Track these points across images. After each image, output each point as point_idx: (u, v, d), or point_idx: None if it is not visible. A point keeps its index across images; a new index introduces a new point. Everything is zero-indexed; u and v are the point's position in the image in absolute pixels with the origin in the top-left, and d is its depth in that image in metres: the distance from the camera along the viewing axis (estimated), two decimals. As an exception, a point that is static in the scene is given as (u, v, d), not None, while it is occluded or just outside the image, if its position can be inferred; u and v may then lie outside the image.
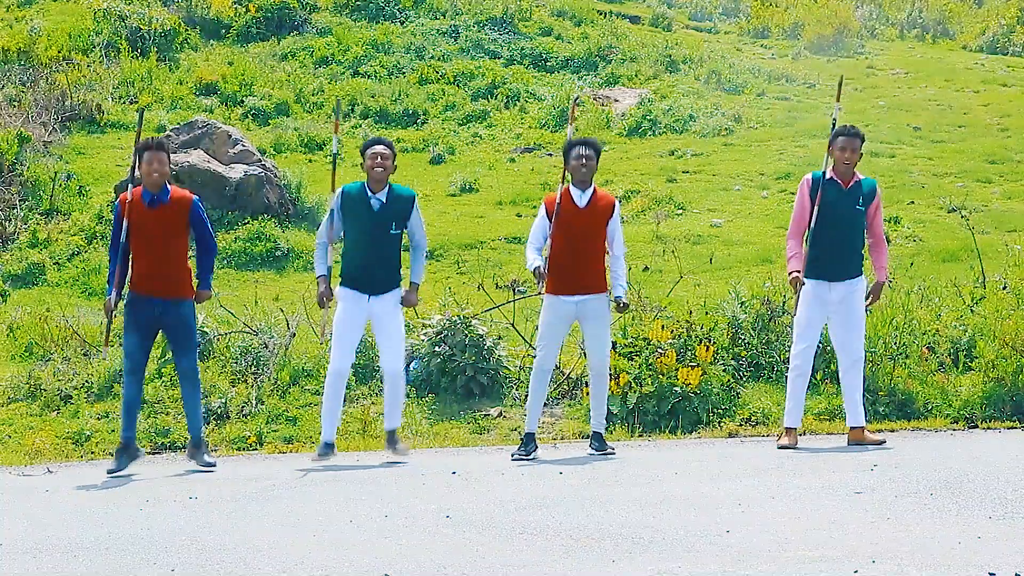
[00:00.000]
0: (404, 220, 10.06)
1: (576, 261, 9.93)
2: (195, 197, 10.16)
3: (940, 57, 27.03)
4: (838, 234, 9.91)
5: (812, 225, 9.94)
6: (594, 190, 10.05)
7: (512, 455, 10.03)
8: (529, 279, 14.18)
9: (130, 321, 9.97)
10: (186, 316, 10.08)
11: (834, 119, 10.34)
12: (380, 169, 9.94)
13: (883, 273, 10.17)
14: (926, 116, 22.61)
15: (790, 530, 6.90)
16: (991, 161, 20.31)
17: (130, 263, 9.98)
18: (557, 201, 9.93)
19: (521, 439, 10.23)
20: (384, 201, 9.97)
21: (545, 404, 11.79)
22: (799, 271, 9.95)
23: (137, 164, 9.96)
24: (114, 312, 10.06)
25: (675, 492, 8.18)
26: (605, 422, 10.26)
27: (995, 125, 22.26)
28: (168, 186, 9.99)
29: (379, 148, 10.03)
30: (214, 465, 10.10)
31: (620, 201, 18.77)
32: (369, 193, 9.98)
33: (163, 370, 12.19)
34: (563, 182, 10.10)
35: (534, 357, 10.34)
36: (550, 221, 9.94)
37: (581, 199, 9.98)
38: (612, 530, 7.05)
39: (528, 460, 9.89)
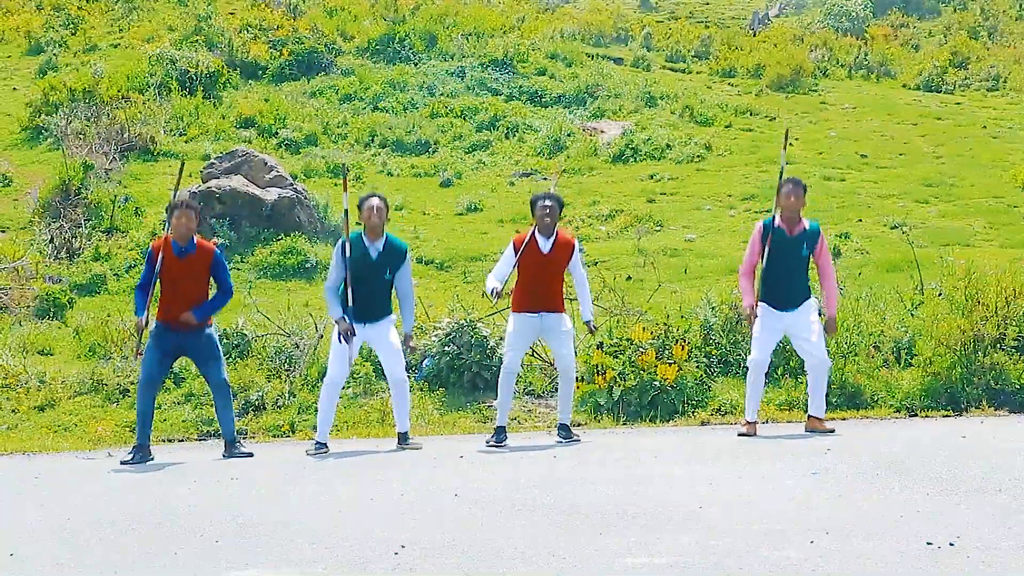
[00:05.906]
0: (396, 269, 9.88)
1: (538, 290, 9.89)
2: (216, 249, 9.99)
3: (883, 94, 27.16)
4: (785, 275, 9.90)
5: (764, 265, 9.94)
6: (556, 236, 9.95)
7: (487, 442, 9.95)
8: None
9: (154, 344, 9.78)
10: (208, 338, 9.87)
11: (782, 167, 10.39)
12: (376, 221, 9.77)
13: (833, 310, 10.06)
14: (871, 145, 22.72)
15: (755, 507, 6.88)
16: (928, 184, 20.46)
17: (157, 295, 9.90)
18: (524, 243, 9.87)
19: (495, 430, 10.08)
20: (381, 250, 9.81)
21: (540, 397, 11.86)
22: (752, 306, 9.95)
23: (168, 220, 9.82)
24: (144, 329, 9.84)
25: (654, 472, 8.15)
26: (571, 416, 10.18)
27: (931, 153, 22.38)
28: (195, 239, 9.85)
29: (374, 202, 9.82)
30: (251, 454, 9.96)
31: (606, 219, 19.07)
32: (367, 242, 9.81)
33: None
34: (532, 229, 9.99)
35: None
36: (515, 258, 9.87)
37: (545, 245, 9.90)
38: (600, 506, 7.02)
39: (502, 448, 9.79)
